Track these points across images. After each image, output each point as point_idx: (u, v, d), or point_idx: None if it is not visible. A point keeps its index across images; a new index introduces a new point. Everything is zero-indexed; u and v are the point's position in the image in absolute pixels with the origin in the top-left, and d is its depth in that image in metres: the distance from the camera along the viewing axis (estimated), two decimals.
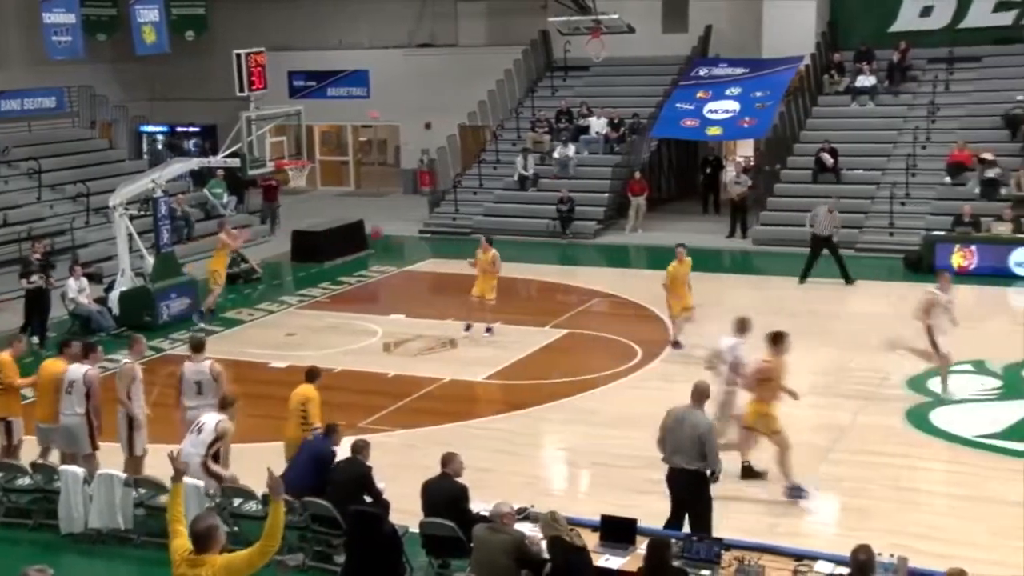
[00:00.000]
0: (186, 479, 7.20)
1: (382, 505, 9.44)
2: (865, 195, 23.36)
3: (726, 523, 9.47)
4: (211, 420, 10.16)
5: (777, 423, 10.81)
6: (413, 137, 31.36)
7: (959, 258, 20.39)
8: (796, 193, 24.07)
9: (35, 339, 16.50)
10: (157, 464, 10.41)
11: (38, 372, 11.51)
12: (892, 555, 7.99)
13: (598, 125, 27.11)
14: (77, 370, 11.06)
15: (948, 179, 23.13)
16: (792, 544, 8.97)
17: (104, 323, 17.85)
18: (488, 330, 17.12)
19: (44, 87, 26.06)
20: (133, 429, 11.15)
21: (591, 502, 10.59)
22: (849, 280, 19.67)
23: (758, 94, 24.98)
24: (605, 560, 8.41)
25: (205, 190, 25.85)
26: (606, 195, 25.85)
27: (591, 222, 25.21)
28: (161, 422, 11.61)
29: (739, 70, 25.97)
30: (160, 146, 32.30)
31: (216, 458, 10.07)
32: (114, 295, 18.44)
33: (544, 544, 8.24)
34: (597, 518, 8.92)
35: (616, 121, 26.96)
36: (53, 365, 11.37)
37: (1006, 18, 25.87)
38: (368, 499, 9.44)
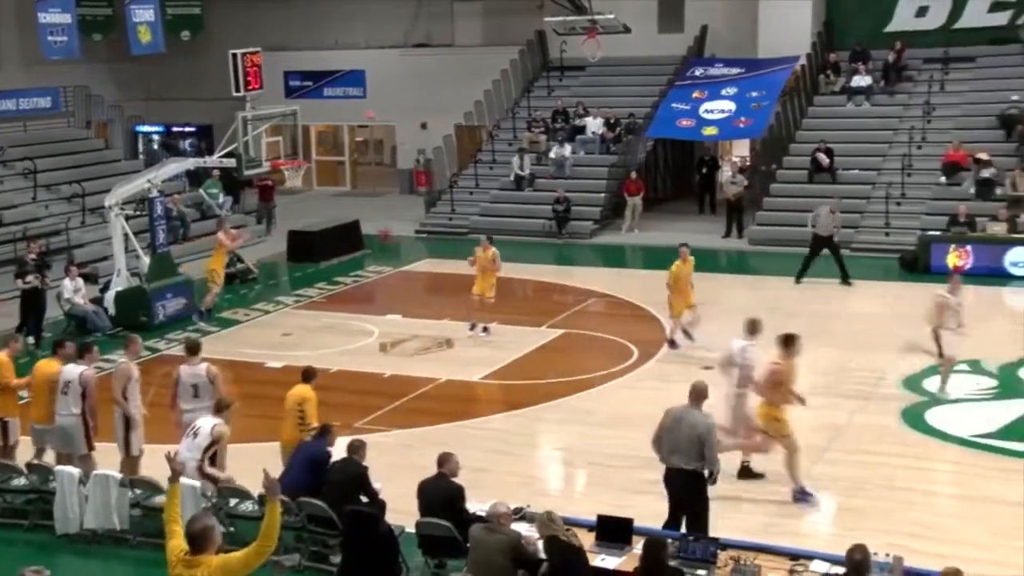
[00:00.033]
0: (183, 479, 7.19)
1: (378, 505, 9.44)
2: (861, 195, 23.39)
3: (722, 523, 9.48)
4: (207, 424, 10.14)
5: (787, 427, 10.78)
6: (409, 137, 31.35)
7: (954, 258, 20.42)
8: (792, 193, 24.11)
9: (31, 339, 16.47)
10: (154, 464, 10.40)
11: (32, 372, 11.49)
12: (888, 554, 8.01)
13: (594, 125, 27.13)
14: (73, 370, 11.04)
15: (943, 179, 23.17)
16: (788, 544, 8.98)
17: (100, 323, 17.83)
18: (485, 329, 17.13)
19: (40, 87, 26.00)
20: (129, 429, 11.13)
21: (587, 502, 10.60)
22: (846, 281, 19.69)
23: (754, 94, 25.01)
24: (601, 560, 8.41)
25: (201, 190, 25.83)
26: (602, 195, 25.86)
27: (587, 222, 25.22)
28: (157, 422, 11.59)
29: (735, 70, 26.00)
30: (156, 146, 32.24)
31: (212, 461, 10.06)
32: (110, 295, 18.42)
33: (540, 544, 8.25)
34: (593, 518, 8.92)
35: (612, 121, 26.98)
36: (47, 366, 11.35)
37: (1001, 18, 25.92)
38: (364, 499, 9.44)
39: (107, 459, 11.11)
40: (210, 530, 6.05)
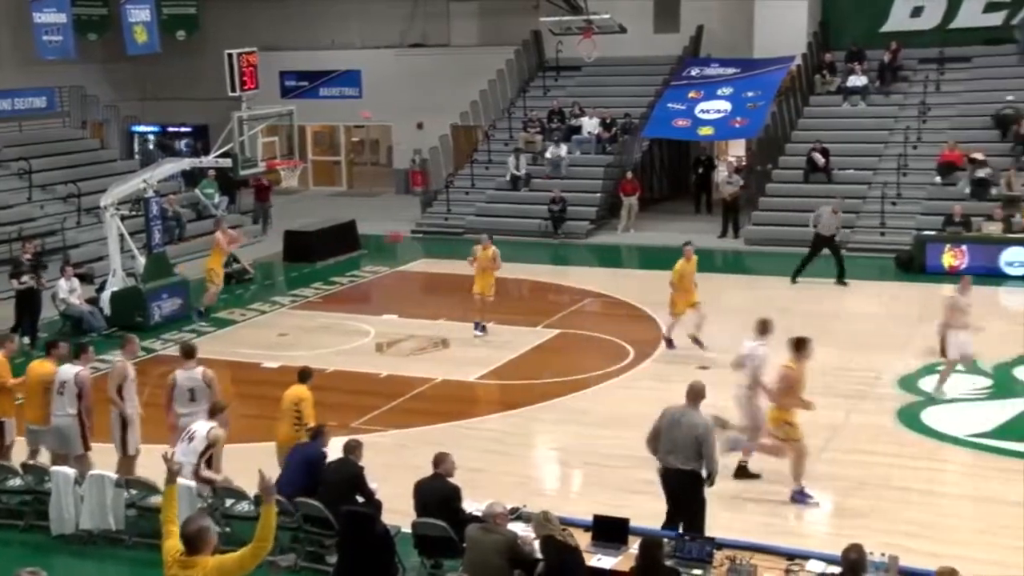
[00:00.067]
0: (179, 480, 7.18)
1: (374, 505, 9.44)
2: (856, 195, 23.40)
3: (718, 522, 9.49)
4: (202, 428, 10.12)
5: (798, 431, 10.75)
6: (405, 137, 31.34)
7: (950, 258, 20.47)
8: (788, 193, 24.14)
9: (26, 340, 16.45)
10: (150, 464, 10.41)
11: (26, 373, 11.46)
12: (883, 554, 8.03)
13: (590, 125, 27.13)
14: (69, 371, 11.02)
15: (939, 179, 23.20)
16: (784, 543, 8.99)
17: (95, 324, 17.81)
18: (476, 326, 17.10)
19: (35, 87, 25.97)
20: (126, 429, 11.12)
21: (583, 502, 10.60)
22: (842, 281, 19.71)
23: (750, 94, 25.03)
24: (597, 560, 8.42)
25: (197, 190, 25.81)
26: (598, 195, 25.86)
27: (583, 222, 25.22)
28: (154, 423, 11.56)
29: (731, 70, 26.02)
30: (151, 146, 32.20)
31: (208, 464, 10.04)
32: (105, 295, 18.39)
33: (537, 544, 8.25)
34: (589, 518, 8.93)
35: (608, 121, 26.98)
36: (41, 366, 11.33)
37: (996, 18, 25.97)
38: (360, 499, 9.44)
39: (103, 459, 11.09)
40: (205, 531, 6.05)
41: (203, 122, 31.02)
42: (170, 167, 20.62)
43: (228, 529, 9.59)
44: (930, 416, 13.25)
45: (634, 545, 8.27)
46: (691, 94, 25.55)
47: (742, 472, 11.27)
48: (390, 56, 31.02)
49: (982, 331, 13.85)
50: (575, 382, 14.87)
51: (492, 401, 14.72)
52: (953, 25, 26.27)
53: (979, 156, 22.78)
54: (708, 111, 25.07)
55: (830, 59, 26.60)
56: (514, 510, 9.03)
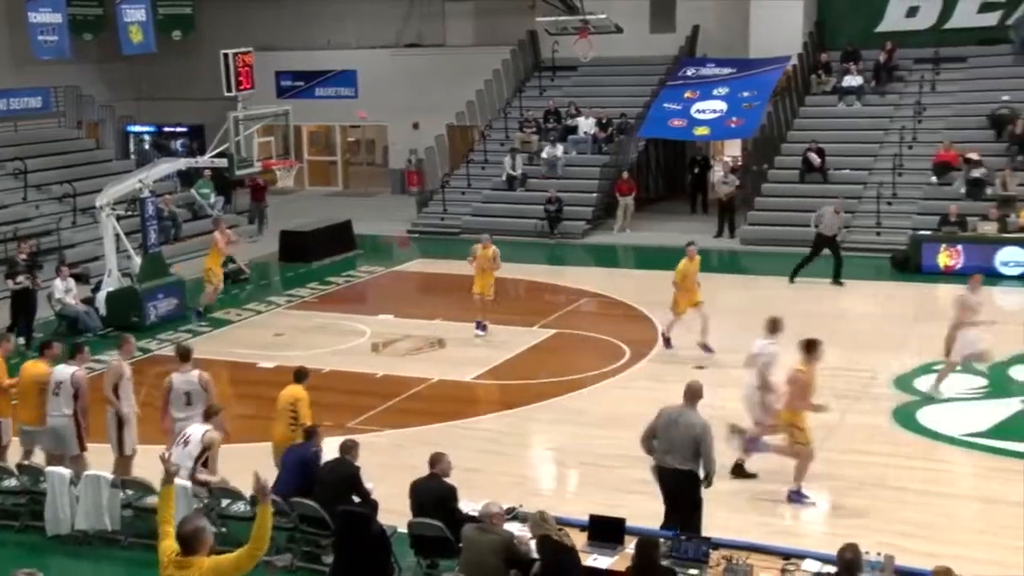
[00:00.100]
0: (176, 480, 7.18)
1: (370, 505, 9.44)
2: (852, 195, 23.42)
3: (714, 522, 9.49)
4: (197, 432, 10.09)
5: (805, 435, 10.72)
6: (401, 137, 31.34)
7: (945, 257, 20.50)
8: (783, 193, 24.17)
9: (21, 340, 16.43)
10: (147, 464, 10.40)
11: (19, 374, 11.44)
12: (879, 553, 8.03)
13: (586, 125, 27.14)
14: (64, 371, 11.01)
15: (934, 179, 23.23)
16: (780, 543, 9.00)
17: (91, 324, 17.79)
18: (479, 325, 17.09)
19: (30, 87, 25.95)
20: (122, 429, 11.10)
21: (579, 502, 10.61)
22: (837, 281, 19.71)
23: (745, 94, 25.04)
24: (593, 560, 8.42)
25: (192, 190, 25.80)
26: (594, 195, 25.87)
27: (579, 222, 25.23)
28: (150, 423, 11.56)
29: (726, 70, 26.03)
30: (147, 146, 32.20)
31: (204, 466, 10.03)
32: (101, 296, 18.38)
33: (533, 544, 8.25)
34: (585, 518, 8.93)
35: (604, 121, 26.99)
36: (34, 367, 11.32)
37: (991, 18, 26.02)
38: (356, 499, 9.44)
39: (99, 459, 11.07)
40: (201, 531, 6.04)
41: (199, 122, 31.02)
42: (166, 167, 20.61)
43: (224, 529, 9.58)
44: (926, 416, 13.27)
45: (630, 545, 8.27)
46: (687, 94, 25.55)
47: (739, 471, 11.27)
48: (386, 56, 31.01)
49: (995, 324, 13.79)
50: (571, 382, 14.87)
51: (488, 401, 14.72)
52: (948, 25, 26.32)
53: (974, 156, 22.81)
54: (704, 111, 25.08)
55: (826, 59, 26.63)
56: (510, 510, 9.04)
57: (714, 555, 8.36)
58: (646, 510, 9.58)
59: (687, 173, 27.87)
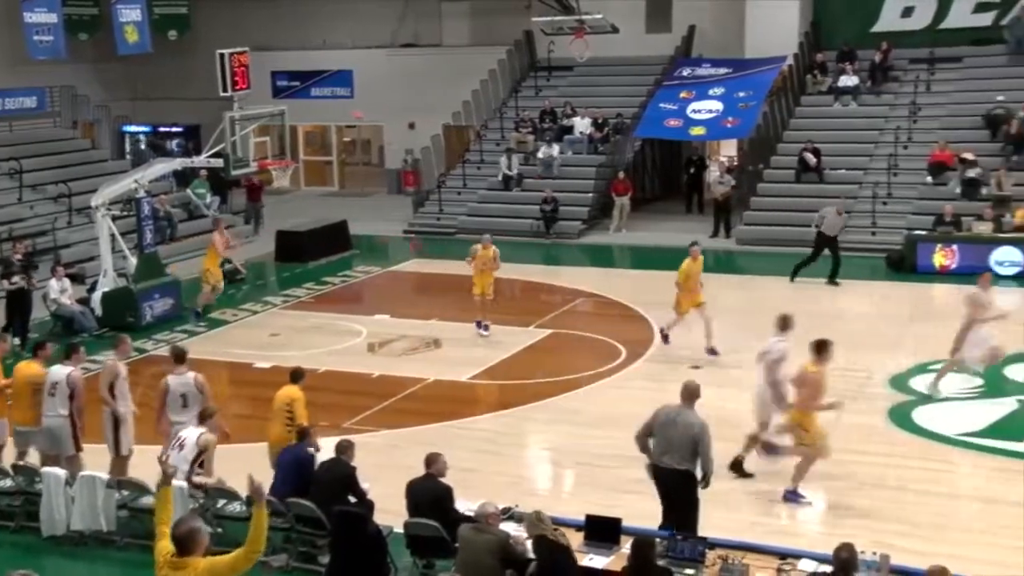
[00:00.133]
0: (173, 482, 7.17)
1: (366, 505, 9.43)
2: (848, 195, 23.40)
3: (710, 522, 9.49)
4: (192, 435, 10.06)
5: (811, 437, 10.70)
6: (397, 137, 31.33)
7: (940, 257, 20.53)
8: (779, 193, 24.19)
9: (16, 340, 16.39)
10: (143, 464, 10.39)
11: (12, 374, 11.41)
12: (875, 553, 8.05)
13: (582, 125, 27.15)
14: (60, 371, 10.99)
15: (929, 179, 23.26)
16: (776, 543, 9.01)
17: (87, 324, 17.76)
18: (479, 325, 17.09)
19: (25, 87, 25.88)
20: (119, 429, 11.08)
21: (575, 502, 10.61)
22: (833, 281, 19.73)
23: (741, 94, 25.06)
24: (589, 560, 8.42)
25: (188, 190, 25.77)
26: (590, 195, 25.88)
27: (575, 222, 25.24)
28: (146, 423, 11.54)
29: (722, 70, 26.05)
30: (143, 146, 32.12)
31: (201, 466, 10.01)
32: (97, 296, 18.35)
33: (529, 544, 8.25)
34: (581, 518, 8.93)
35: (600, 121, 27.00)
36: (27, 368, 11.30)
37: (985, 19, 26.07)
38: (352, 499, 9.44)
39: (95, 460, 11.06)
40: (196, 532, 6.03)
41: (194, 122, 30.98)
42: (161, 167, 20.59)
43: (220, 530, 9.57)
44: (921, 415, 13.28)
45: (626, 545, 8.26)
46: (683, 94, 25.56)
47: (737, 467, 11.27)
48: (382, 56, 31.00)
49: (1007, 317, 13.76)
50: (567, 382, 14.88)
51: (484, 401, 14.72)
52: (943, 25, 26.36)
53: (969, 156, 22.85)
54: (700, 111, 25.09)
55: (821, 59, 26.66)
56: (506, 510, 9.03)
57: (710, 555, 8.36)
58: (642, 510, 9.58)
59: (683, 173, 27.87)
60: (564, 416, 13.74)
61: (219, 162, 19.17)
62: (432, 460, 9.16)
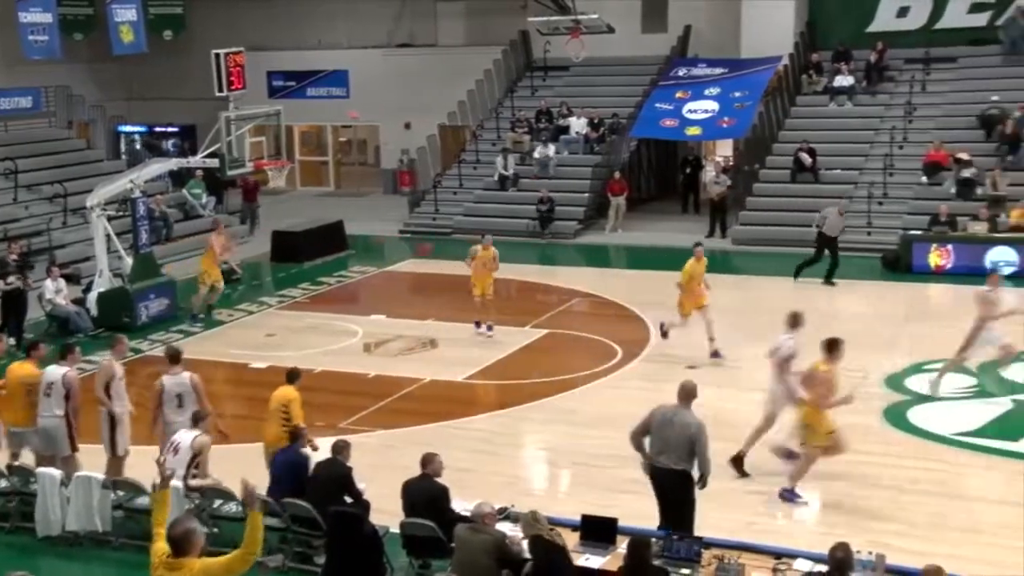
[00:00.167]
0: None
1: (362, 505, 9.43)
2: (843, 195, 23.43)
3: (707, 521, 9.49)
4: (186, 438, 10.04)
5: (817, 438, 10.69)
6: (393, 137, 31.31)
7: (936, 257, 20.55)
8: (775, 193, 24.21)
9: (11, 340, 16.38)
10: (140, 465, 10.38)
11: (6, 375, 11.39)
12: (870, 552, 8.06)
13: (578, 125, 27.15)
14: (56, 372, 10.97)
15: (925, 179, 23.30)
16: (771, 542, 9.02)
17: (82, 324, 17.74)
18: (479, 325, 17.09)
19: (20, 87, 25.85)
20: (115, 429, 11.07)
21: (571, 502, 10.61)
22: (829, 281, 19.74)
23: (737, 94, 25.09)
24: (585, 559, 8.42)
25: (184, 190, 25.75)
26: (586, 195, 25.89)
27: (571, 222, 25.24)
28: (143, 423, 11.52)
29: (718, 70, 26.08)
30: (138, 146, 32.10)
31: (197, 467, 10.00)
32: (92, 296, 18.33)
33: (525, 544, 8.25)
34: (577, 517, 8.93)
35: (596, 121, 27.00)
36: (21, 368, 11.28)
37: (981, 19, 26.10)
38: (348, 499, 9.43)
39: (91, 460, 11.04)
40: (192, 533, 6.03)
41: (190, 122, 30.93)
42: (157, 167, 20.57)
43: (216, 530, 9.57)
44: (917, 415, 13.30)
45: (622, 545, 8.27)
46: (679, 94, 25.59)
47: (738, 463, 11.27)
48: (377, 56, 30.99)
49: (1018, 312, 13.75)
50: (563, 382, 14.88)
51: (480, 401, 14.72)
52: (939, 25, 26.39)
53: (965, 156, 22.87)
54: (696, 111, 25.12)
55: (817, 59, 26.68)
56: (502, 510, 9.04)
57: (706, 554, 8.37)
58: (638, 510, 9.58)
59: (679, 173, 27.88)
60: (560, 416, 13.75)
61: (215, 162, 19.17)
62: (428, 460, 9.16)
